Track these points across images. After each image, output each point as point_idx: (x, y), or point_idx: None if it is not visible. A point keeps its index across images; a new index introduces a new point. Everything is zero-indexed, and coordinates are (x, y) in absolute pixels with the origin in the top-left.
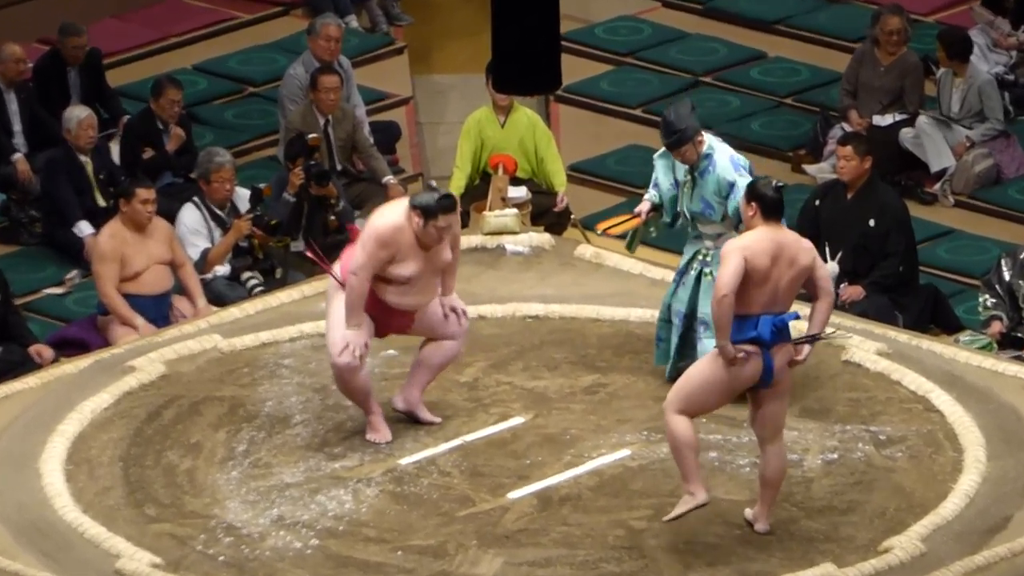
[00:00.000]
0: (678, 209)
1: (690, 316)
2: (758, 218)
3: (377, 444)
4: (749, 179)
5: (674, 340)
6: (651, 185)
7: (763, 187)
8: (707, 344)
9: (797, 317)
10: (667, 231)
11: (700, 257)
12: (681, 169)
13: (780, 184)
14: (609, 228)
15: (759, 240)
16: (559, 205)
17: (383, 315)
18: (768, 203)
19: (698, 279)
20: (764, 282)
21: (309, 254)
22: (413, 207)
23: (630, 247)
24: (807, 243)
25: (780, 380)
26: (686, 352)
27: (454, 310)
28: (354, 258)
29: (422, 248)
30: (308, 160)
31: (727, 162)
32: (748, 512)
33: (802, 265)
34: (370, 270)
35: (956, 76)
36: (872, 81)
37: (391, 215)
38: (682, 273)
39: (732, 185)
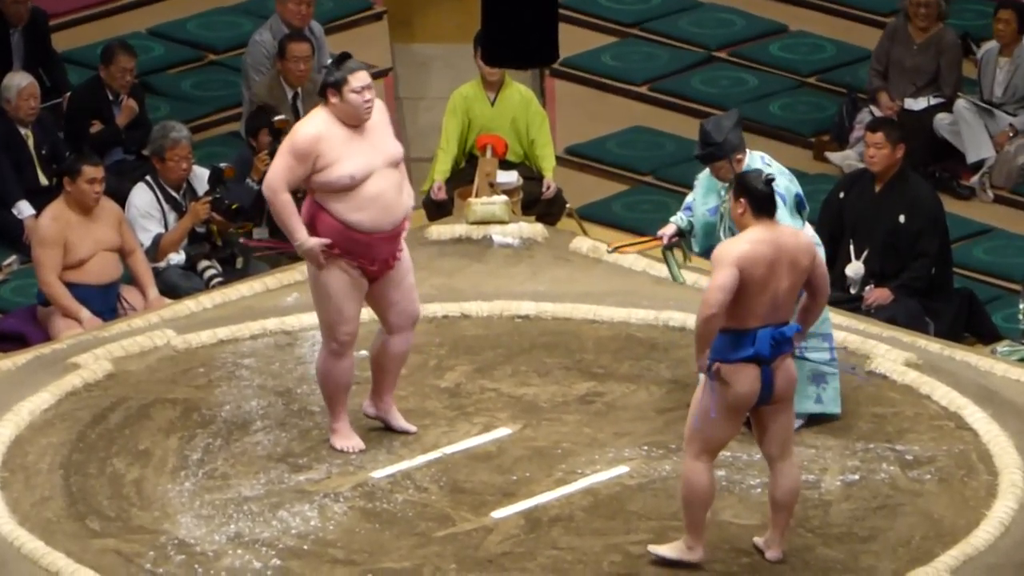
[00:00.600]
0: (717, 239)
1: None
2: (748, 216)
3: (348, 453)
4: (786, 208)
5: None
6: (683, 208)
7: (752, 181)
8: None
9: (799, 330)
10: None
11: None
12: (724, 190)
13: (771, 177)
14: (622, 247)
15: (755, 245)
16: (546, 192)
17: (359, 249)
18: (758, 198)
19: None
20: (762, 293)
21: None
22: (324, 88)
23: (675, 277)
24: (806, 240)
25: (783, 395)
26: None
27: None
28: (269, 170)
29: (356, 131)
30: (275, 142)
31: None
32: (758, 539)
33: (803, 267)
34: (285, 181)
35: (1001, 56)
36: (904, 60)
37: (309, 124)
38: None
39: None
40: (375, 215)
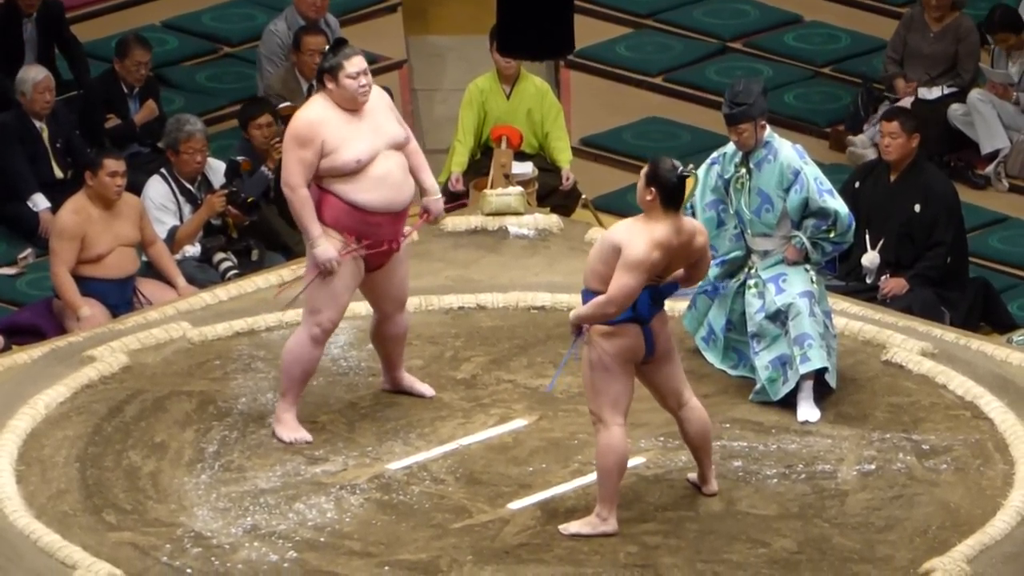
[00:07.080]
0: (727, 235)
1: (736, 325)
2: (656, 205)
3: (294, 444)
4: (816, 168)
5: (719, 351)
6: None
7: (666, 171)
8: (764, 358)
9: (676, 287)
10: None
11: (744, 269)
12: (727, 175)
13: (686, 172)
14: None
15: (665, 246)
16: (565, 183)
17: (367, 230)
18: (670, 190)
19: (740, 291)
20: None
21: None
22: (320, 74)
23: None
24: (699, 228)
25: (664, 348)
26: (739, 364)
27: (428, 211)
28: (283, 170)
29: (356, 115)
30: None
31: (791, 151)
32: (692, 475)
33: (695, 249)
34: (300, 175)
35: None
36: (921, 48)
37: (306, 110)
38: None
39: (797, 174)
40: (383, 195)
